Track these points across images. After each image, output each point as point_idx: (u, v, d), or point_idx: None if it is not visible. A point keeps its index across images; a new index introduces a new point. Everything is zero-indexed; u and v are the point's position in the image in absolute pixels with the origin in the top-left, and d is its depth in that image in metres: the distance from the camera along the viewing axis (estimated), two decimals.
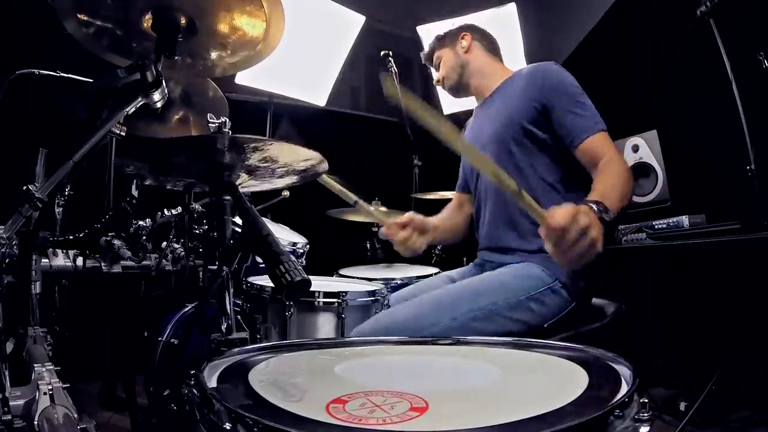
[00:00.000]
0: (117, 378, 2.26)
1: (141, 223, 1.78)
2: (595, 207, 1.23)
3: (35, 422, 0.80)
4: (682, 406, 2.10)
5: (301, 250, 2.19)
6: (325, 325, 1.55)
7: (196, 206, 1.85)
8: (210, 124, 1.18)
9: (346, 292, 1.56)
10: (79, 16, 1.13)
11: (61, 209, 1.76)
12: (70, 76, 1.41)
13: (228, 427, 0.59)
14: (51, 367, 0.95)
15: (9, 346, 1.21)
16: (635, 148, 2.82)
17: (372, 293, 1.62)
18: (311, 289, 1.05)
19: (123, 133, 1.09)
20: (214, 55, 1.30)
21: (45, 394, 0.85)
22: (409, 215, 1.81)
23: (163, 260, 1.83)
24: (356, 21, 2.74)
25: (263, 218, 1.12)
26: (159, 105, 1.12)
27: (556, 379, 0.82)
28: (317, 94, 2.80)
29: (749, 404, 2.20)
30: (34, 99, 1.54)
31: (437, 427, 0.61)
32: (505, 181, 1.00)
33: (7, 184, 1.23)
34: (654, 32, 2.95)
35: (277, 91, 2.73)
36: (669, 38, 2.81)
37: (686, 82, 2.85)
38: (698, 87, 2.70)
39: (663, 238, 2.30)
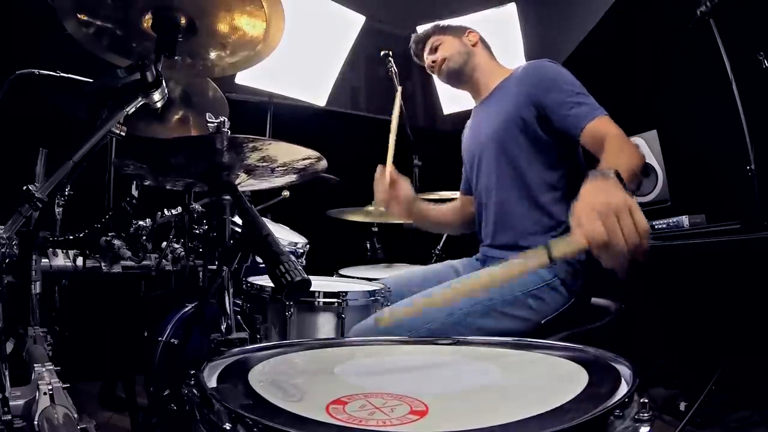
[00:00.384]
0: (117, 378, 2.26)
1: (141, 223, 1.79)
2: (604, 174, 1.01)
3: (35, 422, 0.80)
4: (682, 406, 2.10)
5: (301, 250, 2.19)
6: (325, 325, 1.55)
7: (196, 206, 1.85)
8: (209, 124, 1.18)
9: (346, 292, 1.56)
10: (79, 16, 1.13)
11: (61, 209, 1.76)
12: (70, 76, 1.42)
13: (228, 428, 0.59)
14: (51, 367, 0.95)
15: (9, 346, 1.21)
16: None
17: (372, 293, 1.62)
18: (311, 289, 1.05)
19: (123, 133, 1.09)
20: (214, 55, 1.30)
21: (45, 394, 0.85)
22: (403, 180, 1.89)
23: (163, 260, 1.83)
24: (356, 21, 2.73)
25: (263, 218, 1.12)
26: (159, 105, 1.12)
27: (556, 379, 0.82)
28: (317, 94, 2.80)
29: (749, 404, 2.20)
30: (34, 99, 1.54)
31: (436, 429, 0.61)
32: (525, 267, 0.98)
33: (7, 184, 1.23)
34: (654, 32, 2.95)
35: (277, 91, 2.72)
36: (669, 38, 2.82)
37: (686, 82, 2.85)
38: (698, 87, 2.70)
39: (663, 238, 2.29)
